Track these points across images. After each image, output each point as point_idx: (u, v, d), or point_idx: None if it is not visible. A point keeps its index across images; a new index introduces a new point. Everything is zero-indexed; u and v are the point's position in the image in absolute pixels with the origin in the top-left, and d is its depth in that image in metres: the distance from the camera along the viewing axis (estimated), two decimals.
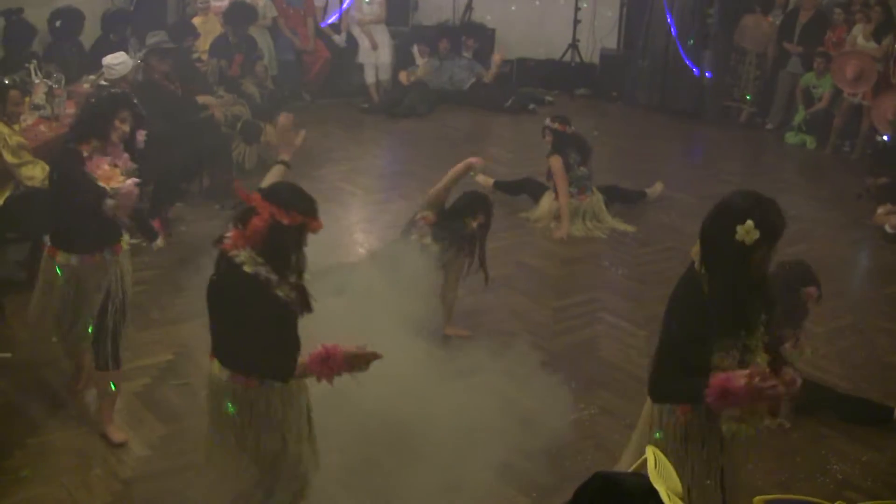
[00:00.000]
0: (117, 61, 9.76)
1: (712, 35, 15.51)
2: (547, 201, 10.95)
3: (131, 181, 6.18)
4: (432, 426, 6.59)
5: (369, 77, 15.62)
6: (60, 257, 6.30)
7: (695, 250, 4.59)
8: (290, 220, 4.64)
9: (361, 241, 9.94)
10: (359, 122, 14.63)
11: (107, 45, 11.66)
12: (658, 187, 11.66)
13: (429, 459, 6.37)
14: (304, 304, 4.79)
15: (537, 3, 16.86)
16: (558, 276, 9.59)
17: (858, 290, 9.94)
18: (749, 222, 4.31)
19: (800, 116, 14.66)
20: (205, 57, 12.47)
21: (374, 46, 15.52)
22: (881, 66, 13.52)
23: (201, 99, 11.21)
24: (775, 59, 15.21)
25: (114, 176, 6.14)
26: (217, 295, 4.83)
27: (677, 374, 4.53)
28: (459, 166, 7.97)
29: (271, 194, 4.73)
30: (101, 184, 6.08)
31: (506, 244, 10.21)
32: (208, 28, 13.28)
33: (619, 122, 15.26)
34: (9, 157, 8.24)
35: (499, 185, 11.51)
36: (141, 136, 6.50)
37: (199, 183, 11.01)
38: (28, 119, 9.42)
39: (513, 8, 16.77)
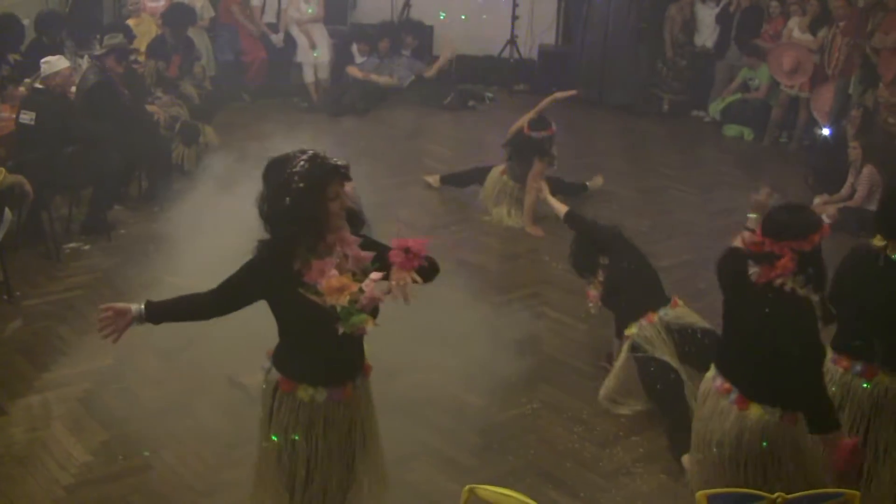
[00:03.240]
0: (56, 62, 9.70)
1: (646, 28, 15.63)
2: (492, 177, 11.10)
3: (375, 277, 4.55)
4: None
5: (308, 76, 15.55)
6: (302, 392, 4.78)
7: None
8: (811, 242, 4.84)
9: None
10: (298, 121, 14.55)
11: (40, 47, 11.52)
12: (598, 180, 11.73)
13: None
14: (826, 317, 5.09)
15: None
16: (499, 272, 9.62)
17: None
18: None
19: (723, 103, 14.83)
20: (142, 59, 12.38)
21: (313, 45, 15.48)
22: (818, 58, 13.67)
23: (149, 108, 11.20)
24: (711, 51, 15.38)
25: (345, 286, 4.51)
26: (773, 328, 4.90)
27: None
28: None
29: (777, 232, 4.88)
30: (332, 303, 4.51)
31: (444, 241, 10.23)
32: (143, 30, 13.19)
33: (558, 117, 15.28)
34: None
35: (446, 180, 11.58)
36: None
37: (137, 185, 10.95)
38: None
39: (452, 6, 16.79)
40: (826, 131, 13.10)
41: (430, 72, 15.76)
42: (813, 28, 13.90)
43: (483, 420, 7.01)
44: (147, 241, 9.16)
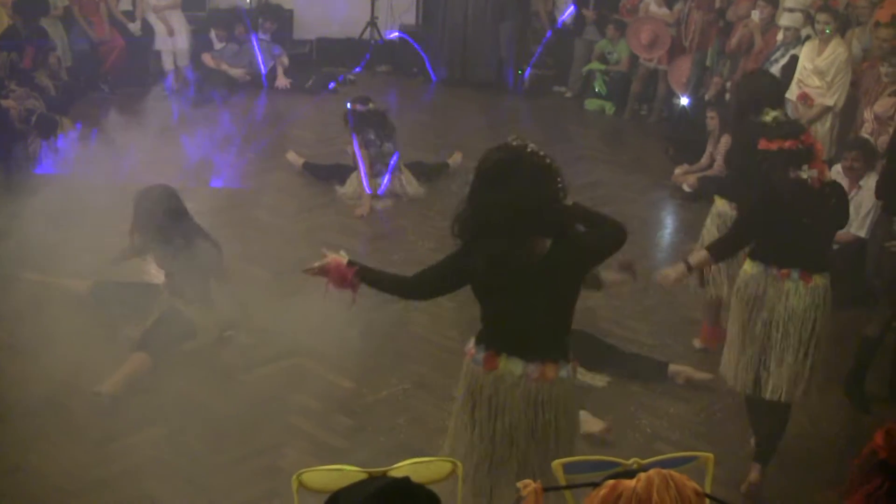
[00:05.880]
0: None
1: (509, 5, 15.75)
2: (353, 181, 10.99)
3: None
4: (238, 408, 6.63)
5: (167, 64, 15.36)
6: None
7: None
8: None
9: None
10: (159, 109, 14.34)
11: None
12: (457, 157, 11.79)
13: (240, 442, 6.42)
14: None
15: None
16: (364, 254, 9.59)
17: (661, 249, 10.27)
18: None
19: (599, 84, 15.00)
20: None
21: (171, 33, 15.26)
22: (674, 31, 13.93)
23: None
24: (570, 27, 15.56)
25: None
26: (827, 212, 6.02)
27: None
28: None
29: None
30: None
31: (310, 224, 10.20)
32: None
33: (419, 98, 15.36)
34: None
35: (308, 167, 11.51)
36: None
37: None
38: None
39: None
40: (685, 100, 13.39)
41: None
42: (669, 2, 14.17)
43: (354, 402, 7.04)
44: (3, 237, 8.97)
